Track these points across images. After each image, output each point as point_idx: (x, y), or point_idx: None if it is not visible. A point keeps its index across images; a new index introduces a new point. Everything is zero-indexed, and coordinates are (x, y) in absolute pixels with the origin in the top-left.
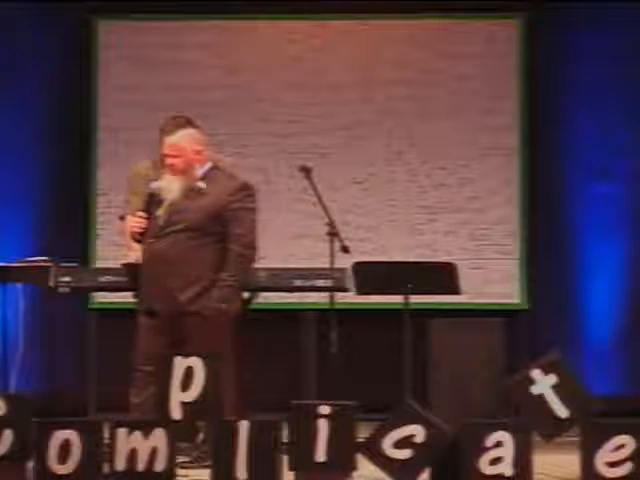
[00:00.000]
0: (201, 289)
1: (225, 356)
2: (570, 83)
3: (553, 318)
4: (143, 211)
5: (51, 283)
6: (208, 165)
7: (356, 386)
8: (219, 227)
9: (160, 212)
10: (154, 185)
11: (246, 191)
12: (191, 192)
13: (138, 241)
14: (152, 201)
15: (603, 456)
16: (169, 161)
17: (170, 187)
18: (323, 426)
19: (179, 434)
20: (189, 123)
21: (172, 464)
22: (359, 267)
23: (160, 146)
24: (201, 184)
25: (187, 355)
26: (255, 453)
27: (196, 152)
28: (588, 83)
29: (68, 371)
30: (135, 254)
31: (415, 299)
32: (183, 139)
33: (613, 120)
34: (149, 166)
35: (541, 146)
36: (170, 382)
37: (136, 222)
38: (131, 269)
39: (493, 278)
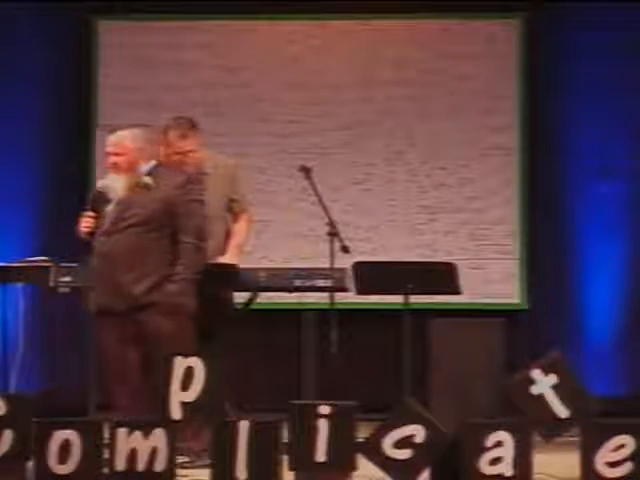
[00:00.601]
0: (155, 282)
1: (185, 351)
2: (570, 83)
3: (553, 318)
4: (91, 210)
5: (51, 283)
6: (153, 162)
7: (356, 386)
8: (169, 220)
9: (110, 209)
10: (100, 184)
11: (193, 183)
12: (139, 188)
13: (87, 241)
14: (100, 200)
15: (603, 456)
16: (112, 159)
17: (115, 185)
18: (323, 426)
19: (179, 434)
20: (192, 124)
21: (172, 464)
22: (359, 267)
23: (162, 146)
24: (148, 180)
25: (148, 351)
26: (255, 453)
27: (139, 150)
28: (588, 83)
29: (68, 371)
30: None
31: (415, 299)
32: (126, 137)
33: (613, 120)
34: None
35: (541, 146)
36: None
37: (85, 222)
38: None
39: (493, 278)
